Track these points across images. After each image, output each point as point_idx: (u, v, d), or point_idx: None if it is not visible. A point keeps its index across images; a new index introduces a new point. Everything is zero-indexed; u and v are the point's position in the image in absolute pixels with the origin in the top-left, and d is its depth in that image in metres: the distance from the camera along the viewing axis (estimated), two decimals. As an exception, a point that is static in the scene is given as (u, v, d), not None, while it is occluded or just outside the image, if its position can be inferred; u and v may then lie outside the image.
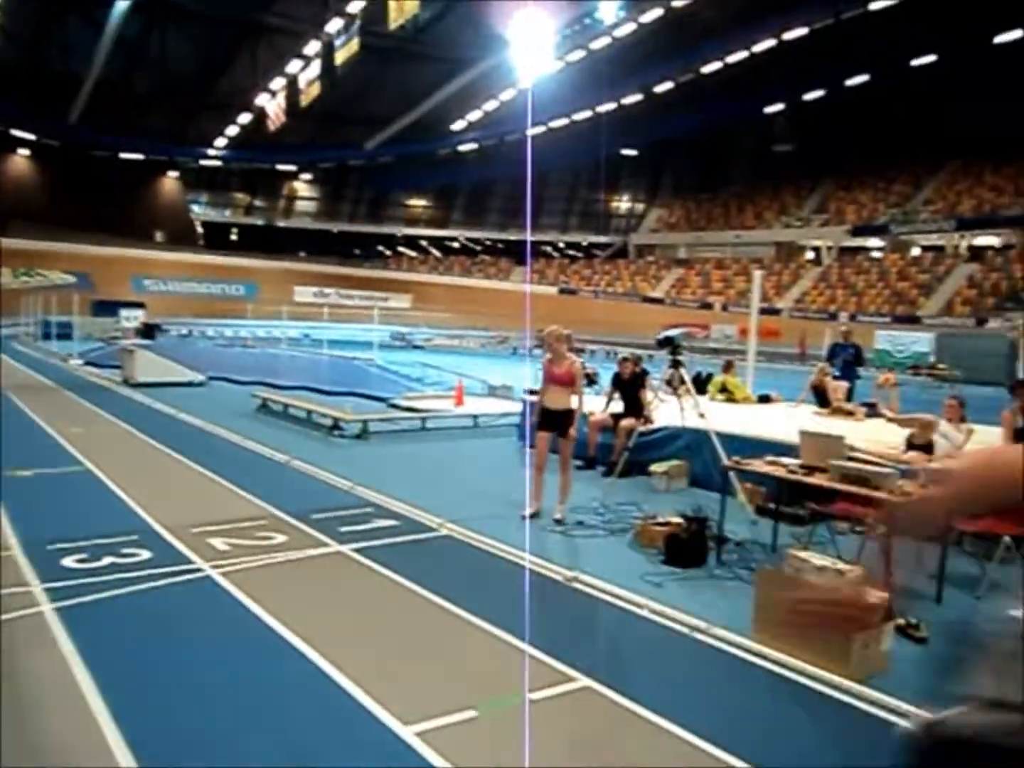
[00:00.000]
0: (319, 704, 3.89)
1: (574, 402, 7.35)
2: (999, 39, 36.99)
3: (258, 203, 65.94)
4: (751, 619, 4.76)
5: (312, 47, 44.85)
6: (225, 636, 4.64)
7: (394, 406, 13.73)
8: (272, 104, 50.55)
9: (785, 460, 6.32)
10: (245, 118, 53.60)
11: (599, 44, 42.20)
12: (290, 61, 46.56)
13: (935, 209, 44.84)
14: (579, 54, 43.00)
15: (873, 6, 36.98)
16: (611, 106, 48.46)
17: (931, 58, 40.05)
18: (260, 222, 64.56)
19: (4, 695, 3.80)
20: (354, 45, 42.29)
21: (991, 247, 42.98)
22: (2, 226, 47.87)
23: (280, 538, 6.40)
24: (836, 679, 4.21)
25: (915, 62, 40.56)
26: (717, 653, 4.60)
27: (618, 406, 9.59)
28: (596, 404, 10.10)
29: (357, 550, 6.16)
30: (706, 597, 5.45)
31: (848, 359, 12.34)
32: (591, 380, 16.73)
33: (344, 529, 6.68)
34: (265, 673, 4.19)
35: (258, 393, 14.17)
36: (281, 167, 62.34)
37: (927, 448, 7.26)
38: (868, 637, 4.25)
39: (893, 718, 3.90)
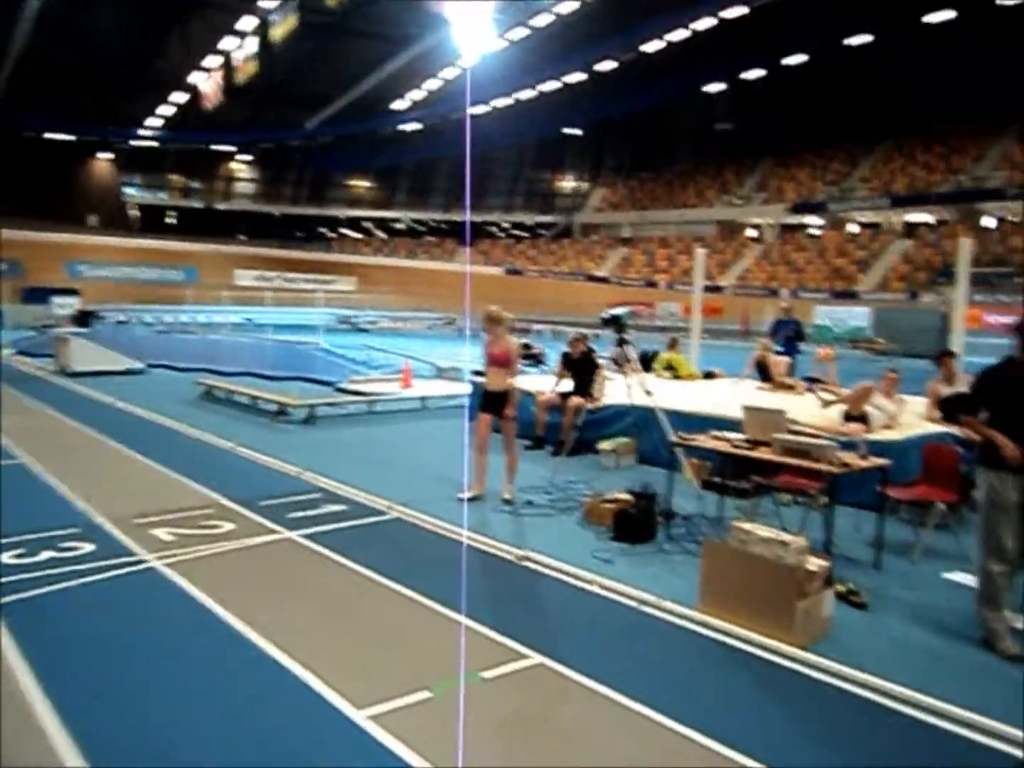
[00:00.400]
0: (270, 691, 3.86)
1: (514, 382, 7.37)
2: (928, 19, 37.84)
3: (196, 185, 64.21)
4: (698, 591, 4.85)
5: (248, 22, 43.65)
6: (172, 628, 4.57)
7: (341, 390, 13.59)
8: (207, 82, 49.17)
9: (729, 435, 6.44)
10: (180, 97, 52.04)
11: (542, 22, 41.91)
12: (225, 37, 45.24)
13: (871, 187, 45.89)
14: (522, 32, 42.63)
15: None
16: (555, 85, 48.32)
17: (867, 38, 40.78)
18: (198, 204, 62.91)
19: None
20: (292, 21, 41.33)
21: (925, 223, 44.21)
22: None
23: (227, 526, 6.30)
24: (781, 647, 4.33)
25: (851, 42, 41.26)
26: (667, 626, 4.69)
27: (568, 385, 9.64)
28: (545, 383, 10.15)
29: (306, 536, 6.11)
30: (655, 571, 5.55)
31: (789, 335, 12.58)
32: (538, 360, 16.83)
33: (293, 515, 6.61)
34: (214, 663, 4.14)
35: (201, 380, 13.89)
36: (218, 148, 60.70)
37: (864, 419, 7.46)
38: (809, 604, 4.38)
39: (837, 682, 4.04)
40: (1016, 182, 39.16)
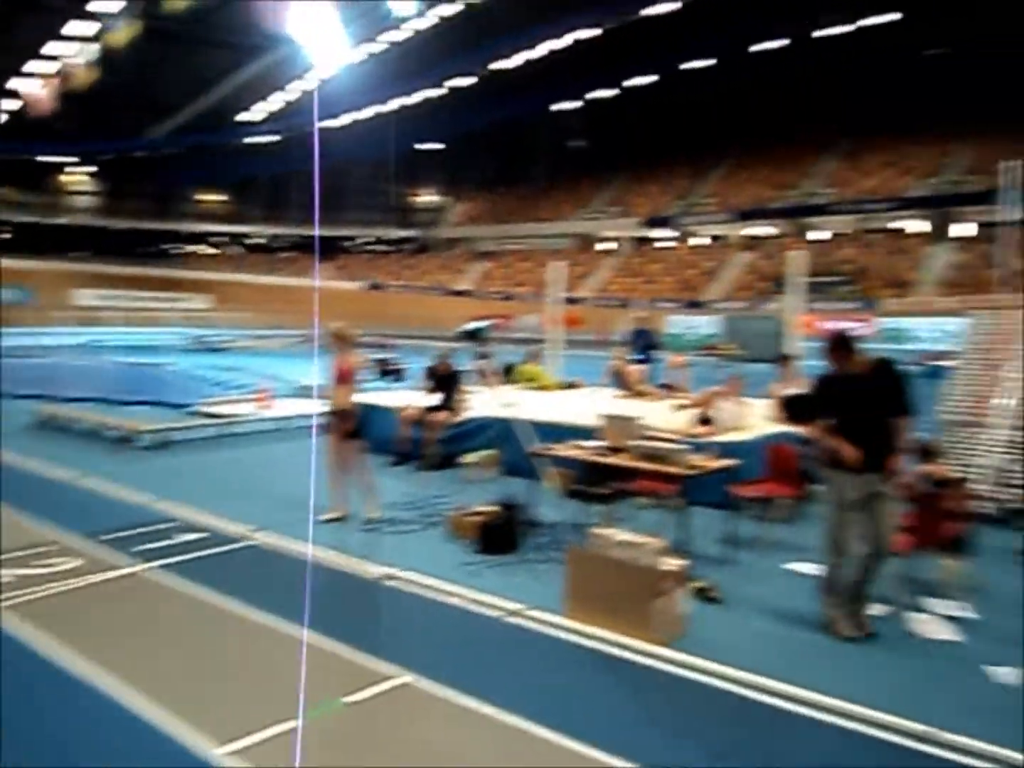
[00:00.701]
0: (121, 738, 3.63)
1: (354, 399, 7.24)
2: (761, 47, 40.71)
3: (28, 199, 59.72)
4: (563, 597, 4.96)
5: (82, 27, 41.25)
6: (11, 675, 4.22)
7: (195, 413, 12.99)
8: (35, 88, 46.03)
9: (588, 443, 6.62)
10: (7, 104, 48.42)
11: (401, 37, 41.91)
12: (56, 41, 42.56)
13: (717, 202, 48.52)
14: (381, 46, 42.49)
15: (649, 12, 39.26)
16: (414, 98, 48.40)
17: (710, 61, 43.45)
18: (31, 219, 58.54)
19: None
20: (133, 27, 39.39)
21: (768, 236, 47.05)
22: None
23: (72, 563, 5.89)
24: (642, 645, 4.49)
25: (692, 65, 43.76)
26: (534, 634, 4.76)
27: (433, 400, 9.63)
28: (407, 399, 10.09)
29: (159, 568, 5.80)
30: (521, 581, 5.62)
31: (645, 344, 13.07)
32: (398, 375, 16.74)
33: (143, 547, 6.26)
34: (58, 711, 3.86)
35: (39, 408, 12.91)
36: (53, 159, 56.83)
37: (711, 422, 7.86)
38: (665, 603, 4.57)
39: (694, 675, 4.23)
40: (846, 197, 42.53)
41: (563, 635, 4.71)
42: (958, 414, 8.24)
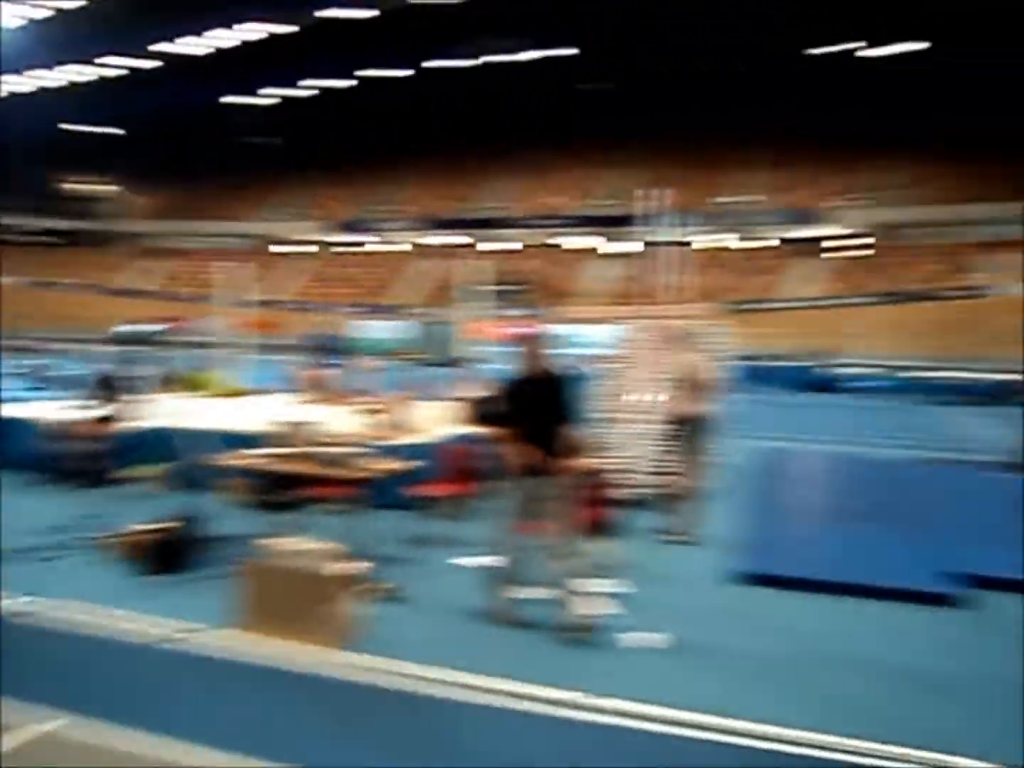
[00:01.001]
0: None
1: None
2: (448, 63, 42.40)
3: None
4: (238, 612, 4.80)
5: None
6: None
7: None
8: None
9: (262, 451, 6.45)
10: None
11: (67, 6, 37.01)
12: None
13: (408, 209, 49.59)
14: (44, 13, 37.30)
15: (340, 14, 39.12)
16: (78, 76, 43.37)
17: (408, 72, 44.50)
18: None
19: None
20: None
21: (456, 245, 48.92)
22: None
23: None
24: (320, 653, 4.49)
25: (387, 73, 44.69)
26: (207, 655, 4.55)
27: (94, 410, 8.74)
28: (58, 408, 9.10)
29: None
30: (197, 600, 5.33)
31: (331, 348, 13.03)
32: (46, 383, 14.97)
33: None
34: None
35: None
36: None
37: (395, 426, 8.09)
38: (339, 607, 4.62)
39: (371, 678, 4.31)
40: (532, 212, 45.85)
41: (239, 652, 4.56)
42: (607, 412, 9.30)
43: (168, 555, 5.95)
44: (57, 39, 38.94)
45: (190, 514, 6.31)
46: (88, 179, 58.98)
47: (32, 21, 37.88)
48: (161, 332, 9.32)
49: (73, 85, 43.72)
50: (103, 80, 44.53)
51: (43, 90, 44.86)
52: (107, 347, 12.89)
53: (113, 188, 58.62)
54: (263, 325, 27.45)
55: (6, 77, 41.36)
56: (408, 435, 8.01)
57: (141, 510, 7.21)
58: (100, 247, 54.58)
